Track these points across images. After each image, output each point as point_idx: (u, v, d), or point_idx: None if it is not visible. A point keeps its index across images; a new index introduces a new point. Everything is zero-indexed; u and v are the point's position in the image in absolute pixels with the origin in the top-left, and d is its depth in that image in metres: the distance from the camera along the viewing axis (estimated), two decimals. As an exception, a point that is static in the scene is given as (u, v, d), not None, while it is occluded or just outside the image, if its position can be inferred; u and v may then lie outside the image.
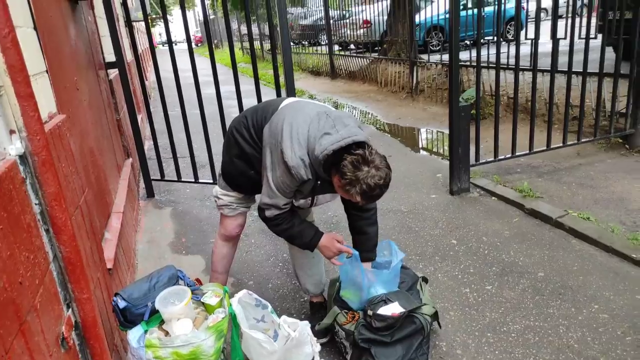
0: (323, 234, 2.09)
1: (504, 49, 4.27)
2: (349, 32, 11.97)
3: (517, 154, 4.16)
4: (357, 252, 2.11)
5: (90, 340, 1.47)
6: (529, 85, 6.12)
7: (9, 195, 1.13)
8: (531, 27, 4.13)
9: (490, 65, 6.42)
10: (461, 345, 2.23)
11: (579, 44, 4.13)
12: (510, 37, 10.87)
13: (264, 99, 2.71)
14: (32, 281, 1.19)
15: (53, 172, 1.31)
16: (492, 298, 2.56)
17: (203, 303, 2.07)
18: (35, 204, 1.31)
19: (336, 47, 12.87)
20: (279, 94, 3.62)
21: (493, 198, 3.83)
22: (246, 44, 19.44)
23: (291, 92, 3.46)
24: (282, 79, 3.58)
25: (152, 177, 4.36)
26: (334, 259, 2.12)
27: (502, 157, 4.14)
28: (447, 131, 6.03)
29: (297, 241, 2.11)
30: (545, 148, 4.23)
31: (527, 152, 4.20)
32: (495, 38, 3.87)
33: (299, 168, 1.82)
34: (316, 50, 13.40)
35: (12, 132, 1.25)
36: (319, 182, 1.92)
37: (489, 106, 6.35)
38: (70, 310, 1.44)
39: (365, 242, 2.19)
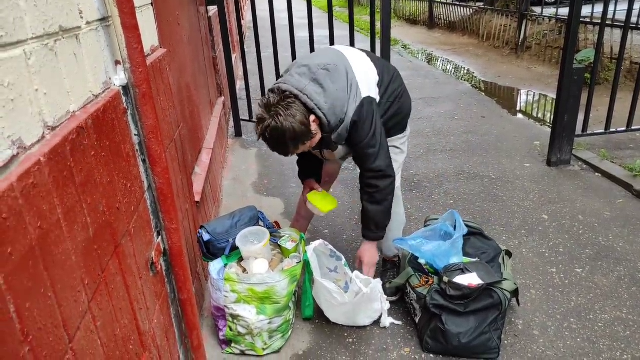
0: (305, 180, 2.27)
1: (635, 5, 3.70)
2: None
3: (633, 127, 3.71)
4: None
5: (175, 268, 1.56)
6: (660, 49, 5.36)
7: (112, 125, 1.18)
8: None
9: (615, 23, 5.66)
10: (539, 326, 2.11)
11: None
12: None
13: (357, 46, 2.60)
14: (128, 207, 1.26)
15: (152, 105, 1.34)
16: (581, 282, 2.37)
17: (280, 246, 2.13)
18: (135, 135, 1.36)
19: (438, -6, 12.05)
20: (373, 42, 3.46)
21: (596, 174, 3.48)
22: (343, -13, 18.79)
23: (386, 40, 3.29)
24: (377, 26, 3.40)
25: (241, 117, 4.47)
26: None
27: (614, 129, 3.71)
28: (551, 95, 5.52)
29: None
30: (669, 124, 3.72)
31: (646, 126, 3.72)
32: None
33: None
34: (415, -3, 12.65)
35: (117, 62, 1.29)
36: None
37: (605, 70, 5.68)
38: (160, 237, 1.53)
39: (362, 216, 2.05)
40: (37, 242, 0.80)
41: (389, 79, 2.00)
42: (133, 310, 1.24)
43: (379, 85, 1.93)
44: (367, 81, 1.88)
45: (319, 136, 1.81)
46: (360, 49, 2.08)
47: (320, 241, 2.09)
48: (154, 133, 1.36)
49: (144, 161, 1.41)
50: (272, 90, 1.75)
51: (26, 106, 0.83)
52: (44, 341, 0.79)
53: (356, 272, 2.02)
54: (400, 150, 2.16)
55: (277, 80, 1.88)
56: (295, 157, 2.09)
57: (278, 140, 1.72)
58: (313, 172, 2.25)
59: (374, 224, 2.03)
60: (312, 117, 1.73)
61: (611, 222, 2.87)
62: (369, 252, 2.08)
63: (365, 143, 1.86)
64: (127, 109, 1.31)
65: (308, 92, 1.71)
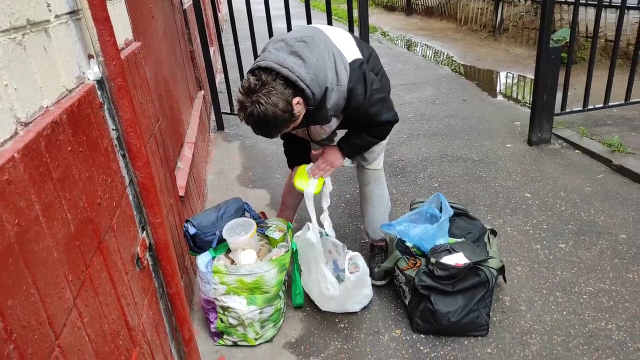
0: (296, 167, 2.14)
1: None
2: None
3: (610, 104, 3.77)
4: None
5: (162, 262, 1.55)
6: (632, 26, 5.44)
7: (88, 119, 1.16)
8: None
9: (589, 2, 5.73)
10: (526, 301, 2.15)
11: None
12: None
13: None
14: (110, 203, 1.25)
15: (128, 98, 1.32)
16: (565, 257, 2.41)
17: (267, 236, 2.13)
18: (112, 129, 1.34)
19: (414, -20, 12.04)
20: (351, 29, 3.44)
21: (576, 151, 3.54)
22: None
23: (365, 27, 3.28)
24: (355, 14, 3.38)
25: (222, 110, 4.43)
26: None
27: (592, 106, 3.77)
28: (530, 75, 5.58)
29: None
30: (644, 99, 3.79)
31: (623, 102, 3.79)
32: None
33: None
34: (392, -17, 12.63)
35: (90, 56, 1.27)
36: None
37: (581, 49, 5.75)
38: (144, 232, 1.51)
39: (350, 135, 2.02)
40: (15, 239, 0.78)
41: (368, 55, 1.99)
42: (120, 305, 1.23)
43: (362, 53, 1.92)
44: (348, 47, 1.85)
45: (303, 114, 1.78)
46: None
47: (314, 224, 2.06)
48: (132, 127, 1.34)
49: (123, 156, 1.39)
50: (251, 72, 1.70)
51: (-4, 101, 0.81)
52: (28, 339, 0.78)
53: (357, 253, 2.04)
54: None
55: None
56: (279, 148, 2.07)
57: (260, 126, 1.70)
58: (302, 159, 2.20)
59: (356, 147, 2.03)
60: (295, 100, 1.67)
61: (592, 197, 2.93)
62: (336, 156, 2.04)
63: (364, 106, 1.84)
64: (103, 103, 1.29)
65: (288, 65, 1.66)
